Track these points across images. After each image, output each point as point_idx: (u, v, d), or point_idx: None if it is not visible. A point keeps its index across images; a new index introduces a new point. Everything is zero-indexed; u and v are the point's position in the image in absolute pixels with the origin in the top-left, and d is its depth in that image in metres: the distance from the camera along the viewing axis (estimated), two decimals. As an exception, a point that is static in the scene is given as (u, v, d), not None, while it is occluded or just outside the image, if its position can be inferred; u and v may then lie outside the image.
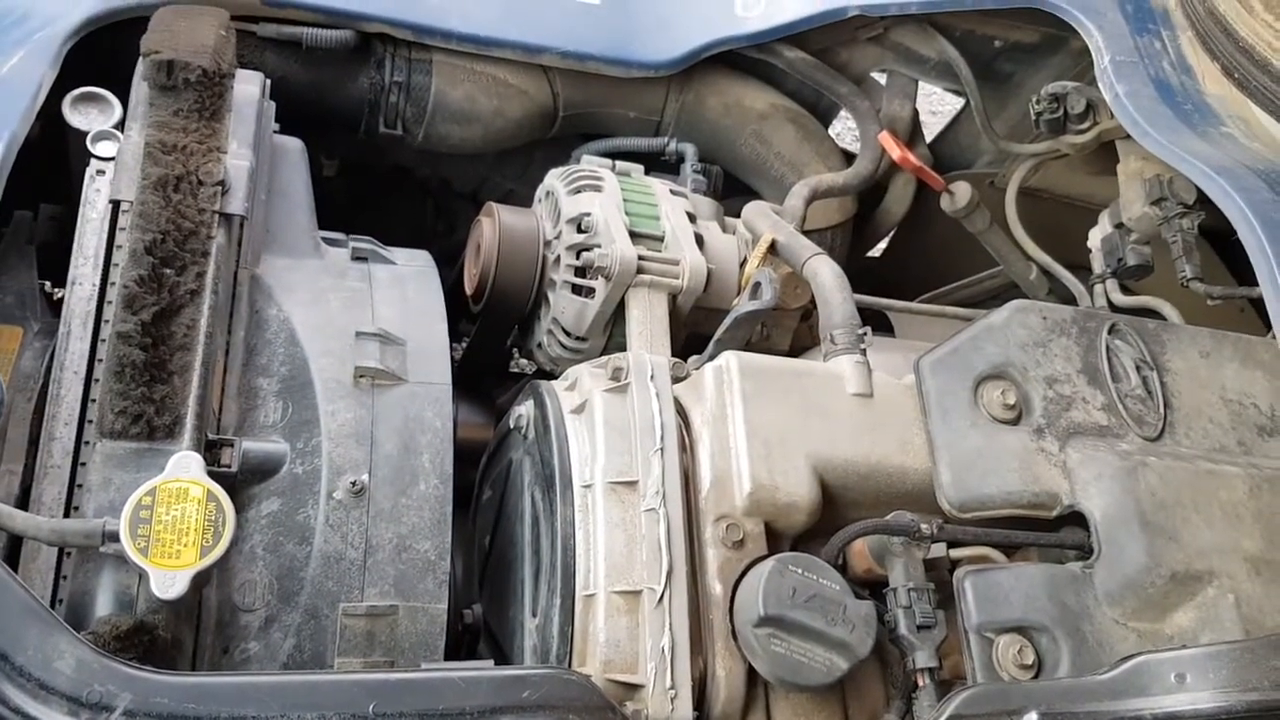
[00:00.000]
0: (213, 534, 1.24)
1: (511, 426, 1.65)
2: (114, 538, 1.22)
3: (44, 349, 1.54)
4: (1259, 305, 1.71)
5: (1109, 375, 1.59)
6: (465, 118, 2.13)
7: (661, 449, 1.46)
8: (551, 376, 1.76)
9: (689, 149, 2.17)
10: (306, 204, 1.75)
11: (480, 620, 1.66)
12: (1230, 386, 1.64)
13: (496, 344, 2.05)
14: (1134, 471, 1.49)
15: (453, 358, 1.64)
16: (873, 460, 1.51)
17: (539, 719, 1.21)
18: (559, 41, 2.06)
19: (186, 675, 1.20)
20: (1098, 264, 2.04)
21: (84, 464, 1.35)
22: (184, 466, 1.26)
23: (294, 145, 1.80)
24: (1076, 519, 1.50)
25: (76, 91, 1.68)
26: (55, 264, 1.64)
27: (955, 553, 1.49)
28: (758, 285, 1.67)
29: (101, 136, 1.62)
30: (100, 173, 1.58)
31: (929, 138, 2.53)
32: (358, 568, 1.43)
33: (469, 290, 1.96)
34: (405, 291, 1.68)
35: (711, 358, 1.60)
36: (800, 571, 1.35)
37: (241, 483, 1.42)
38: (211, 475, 1.28)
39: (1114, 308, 2.00)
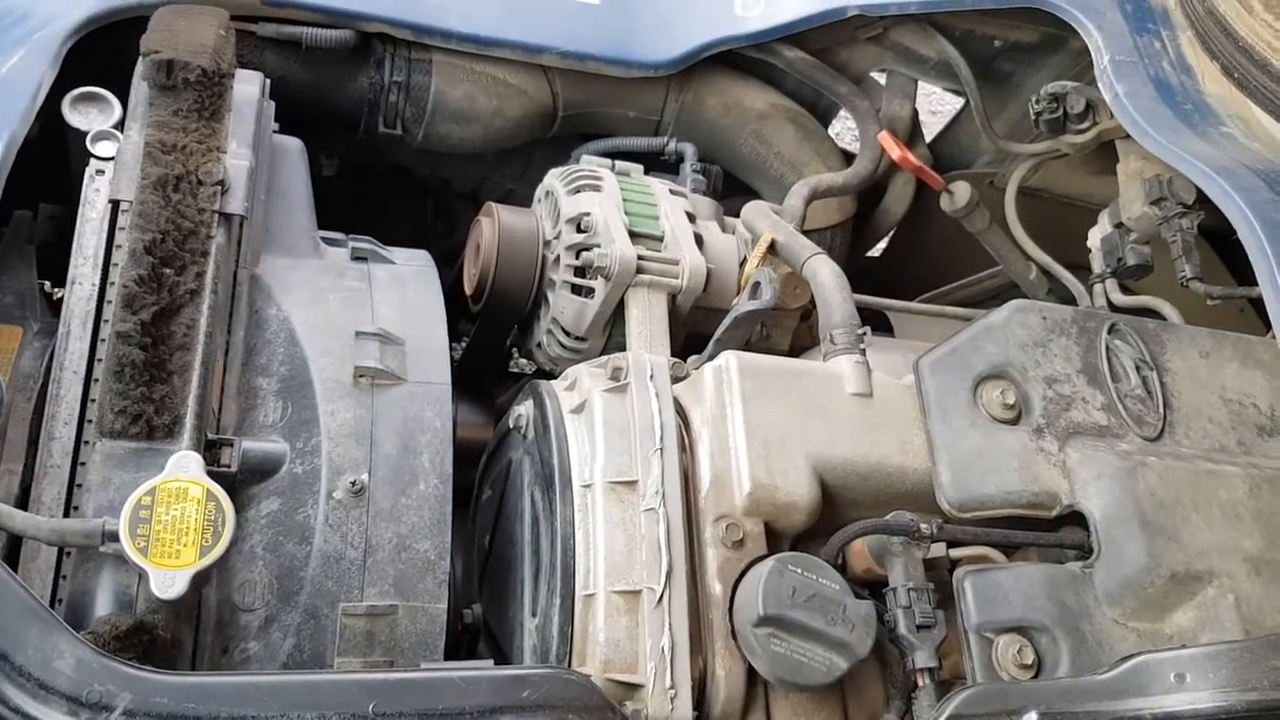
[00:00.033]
0: (212, 534, 1.24)
1: (511, 426, 1.65)
2: (114, 537, 1.22)
3: (44, 349, 1.54)
4: (1259, 305, 1.71)
5: (1109, 375, 1.59)
6: (465, 117, 2.13)
7: (661, 449, 1.46)
8: (551, 376, 1.76)
9: (688, 149, 2.17)
10: (306, 204, 1.75)
11: (480, 620, 1.66)
12: (1230, 386, 1.64)
13: (496, 344, 2.05)
14: (1134, 471, 1.49)
15: (452, 357, 1.64)
16: (872, 460, 1.51)
17: (539, 719, 1.21)
18: (559, 41, 2.06)
19: (186, 675, 1.20)
20: (1097, 264, 2.04)
21: (83, 464, 1.35)
22: (183, 466, 1.26)
23: (293, 145, 1.80)
24: (1076, 519, 1.50)
25: (76, 91, 1.68)
26: (55, 264, 1.64)
27: (955, 552, 1.49)
28: (757, 285, 1.67)
29: (101, 136, 1.62)
30: (100, 172, 1.58)
31: (929, 137, 2.53)
32: (357, 567, 1.43)
33: (468, 290, 1.95)
34: (405, 291, 1.68)
35: (711, 357, 1.60)
36: (800, 571, 1.35)
37: (241, 482, 1.42)
38: (211, 475, 1.28)
39: (1114, 308, 2.00)
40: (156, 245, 1.43)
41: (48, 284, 1.74)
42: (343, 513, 1.45)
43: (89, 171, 1.59)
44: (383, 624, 1.42)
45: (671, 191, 1.97)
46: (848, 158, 2.38)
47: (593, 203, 1.83)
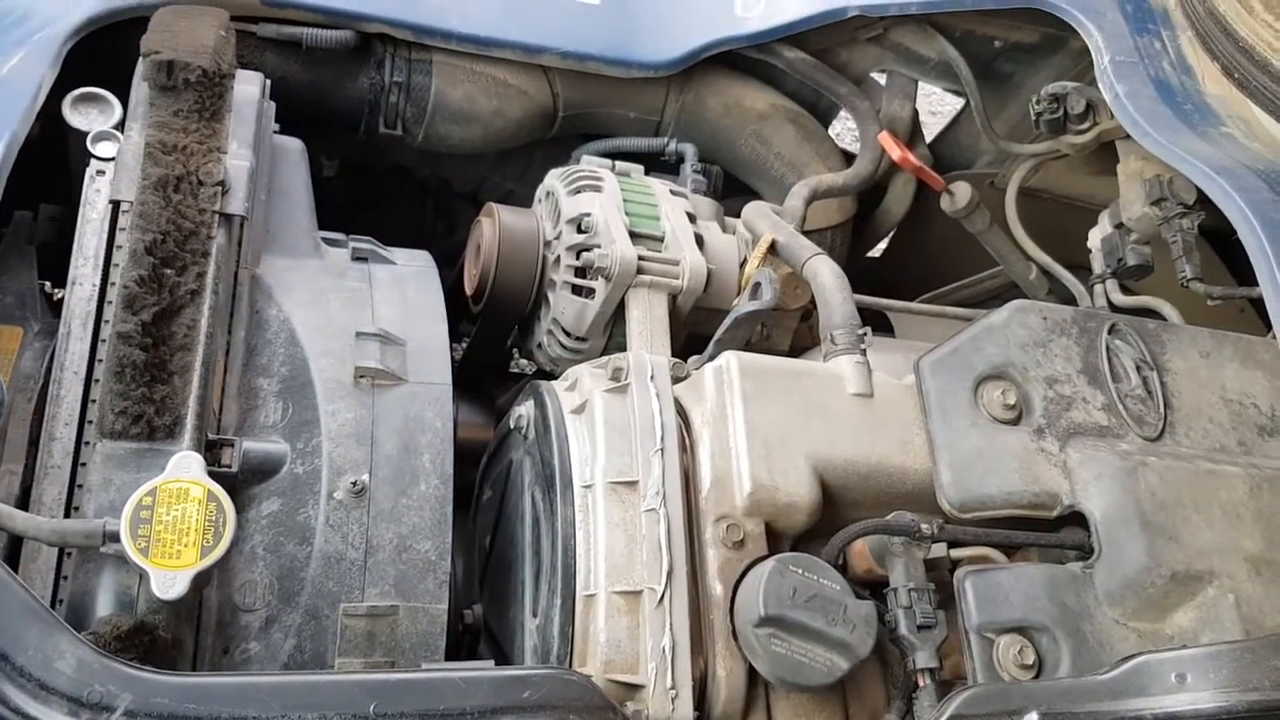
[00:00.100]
0: (213, 534, 1.23)
1: (512, 427, 1.65)
2: (114, 538, 1.22)
3: (44, 349, 1.54)
4: (1259, 305, 1.71)
5: (1109, 375, 1.59)
6: (465, 118, 2.13)
7: (662, 449, 1.46)
8: (552, 377, 1.76)
9: (689, 149, 2.17)
10: (306, 204, 1.75)
11: (481, 620, 1.66)
12: (1230, 386, 1.64)
13: (497, 344, 2.05)
14: (1134, 471, 1.49)
15: (453, 358, 1.64)
16: (873, 460, 1.51)
17: (540, 719, 1.21)
18: (559, 42, 2.06)
19: (187, 675, 1.20)
20: (1098, 264, 2.04)
21: (84, 464, 1.35)
22: (184, 467, 1.26)
23: (294, 145, 1.80)
24: (1077, 519, 1.50)
25: (77, 92, 1.68)
26: (55, 264, 1.64)
27: (955, 553, 1.49)
28: (758, 285, 1.67)
29: (101, 137, 1.62)
30: (100, 173, 1.58)
31: (929, 138, 2.53)
32: (358, 568, 1.43)
33: (469, 290, 1.95)
34: (405, 292, 1.68)
35: (711, 358, 1.60)
36: (801, 571, 1.35)
37: (242, 483, 1.42)
38: (212, 475, 1.28)
39: (1114, 308, 2.00)
40: (157, 246, 1.43)
41: (48, 284, 1.74)
42: (343, 513, 1.45)
43: (89, 172, 1.59)
44: (384, 624, 1.42)
45: (672, 192, 1.97)
46: (848, 158, 2.38)
47: (593, 203, 1.83)
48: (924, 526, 1.41)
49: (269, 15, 1.96)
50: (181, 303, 1.42)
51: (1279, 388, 1.67)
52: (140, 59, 1.60)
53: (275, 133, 1.79)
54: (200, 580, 1.23)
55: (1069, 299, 2.15)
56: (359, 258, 1.72)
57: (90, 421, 1.37)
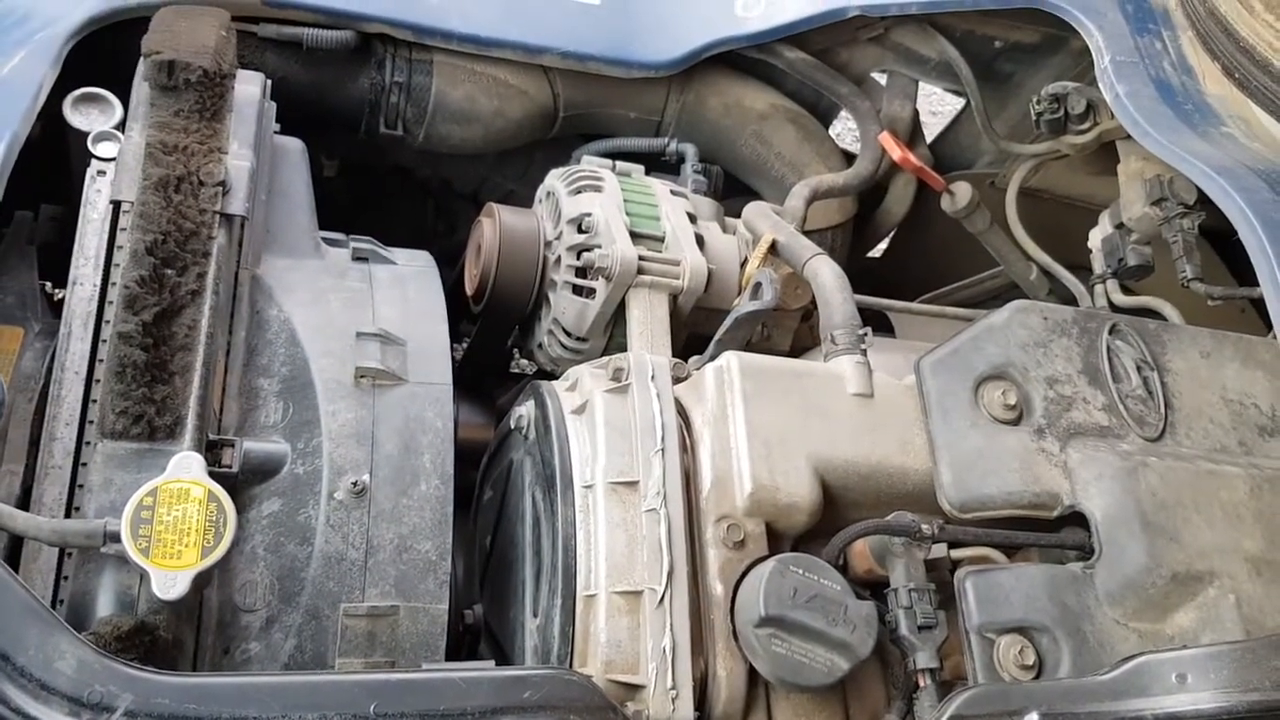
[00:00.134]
0: (214, 534, 1.24)
1: (512, 427, 1.65)
2: (115, 538, 1.22)
3: (45, 349, 1.54)
4: (1259, 305, 1.71)
5: (1110, 375, 1.59)
6: (466, 118, 2.13)
7: (662, 449, 1.46)
8: (552, 377, 1.76)
9: (689, 149, 2.17)
10: (307, 204, 1.75)
11: (481, 621, 1.66)
12: (1231, 387, 1.64)
13: (497, 344, 2.05)
14: (1135, 472, 1.49)
15: (453, 358, 1.64)
16: (873, 461, 1.51)
17: (540, 719, 1.21)
18: (559, 42, 2.06)
19: (187, 676, 1.20)
20: (1098, 264, 2.04)
21: (85, 464, 1.35)
22: (185, 467, 1.26)
23: (295, 146, 1.80)
24: (1077, 519, 1.50)
25: (77, 92, 1.68)
26: (56, 264, 1.64)
27: (956, 553, 1.49)
28: (758, 285, 1.67)
29: (102, 137, 1.62)
30: (101, 173, 1.58)
31: (929, 138, 2.53)
32: (359, 568, 1.43)
33: (469, 291, 1.96)
34: (406, 292, 1.68)
35: (712, 358, 1.60)
36: (801, 572, 1.35)
37: (242, 483, 1.42)
38: (212, 476, 1.28)
39: (1114, 308, 2.00)
40: (158, 246, 1.43)
41: (49, 285, 1.74)
42: (344, 513, 1.45)
43: (90, 172, 1.59)
44: (384, 624, 1.42)
45: (672, 192, 1.97)
46: (848, 158, 2.38)
47: (594, 203, 1.83)
48: (924, 527, 1.41)
49: (270, 15, 1.97)
50: (182, 303, 1.42)
51: (1279, 388, 1.66)
52: (141, 59, 1.60)
53: (276, 133, 1.79)
54: (201, 580, 1.23)
55: (1069, 299, 2.15)
56: (359, 258, 1.72)
57: (91, 422, 1.37)
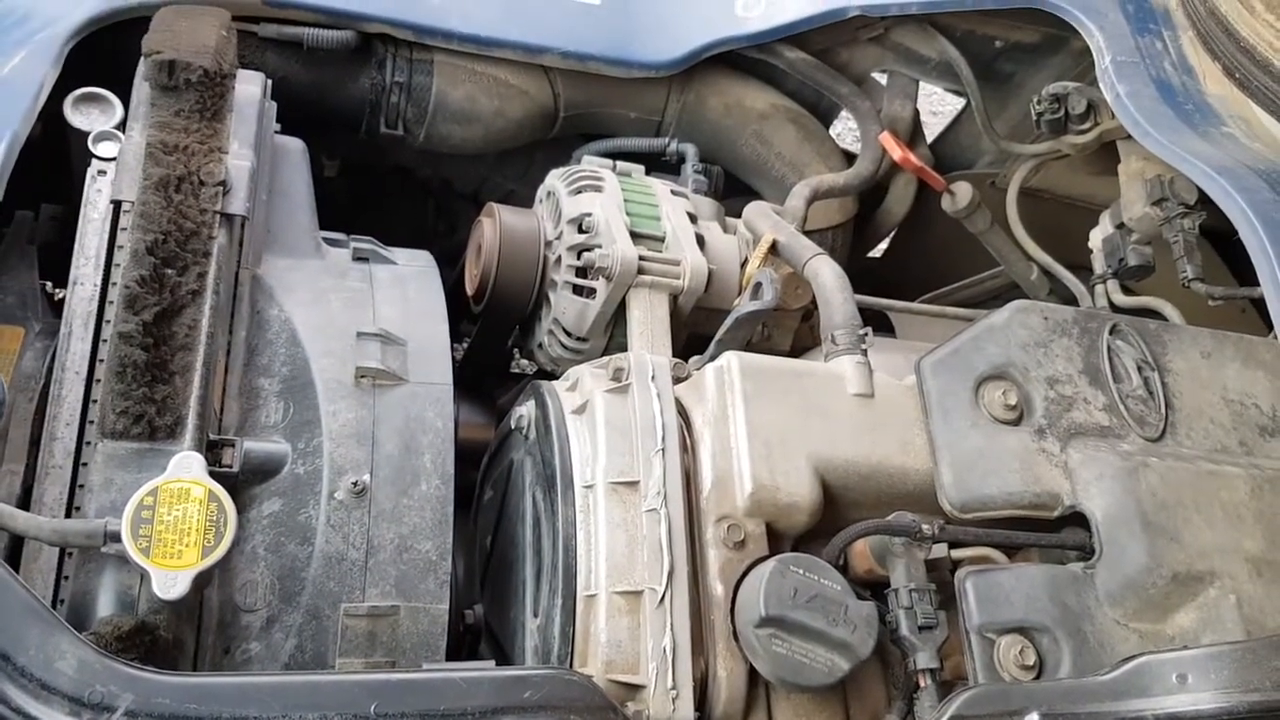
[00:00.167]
0: (214, 534, 1.24)
1: (513, 427, 1.65)
2: (116, 538, 1.22)
3: (45, 349, 1.54)
4: (1260, 305, 1.71)
5: (1110, 376, 1.59)
6: (466, 118, 2.13)
7: (663, 449, 1.46)
8: (552, 377, 1.76)
9: (690, 149, 2.17)
10: (308, 204, 1.75)
11: (481, 621, 1.66)
12: (1231, 387, 1.64)
13: (497, 344, 2.05)
14: (1135, 472, 1.48)
15: (454, 358, 1.64)
16: (874, 461, 1.51)
17: (540, 719, 1.21)
18: (560, 42, 2.06)
19: (188, 676, 1.20)
20: (1099, 264, 2.04)
21: (85, 464, 1.35)
22: (185, 467, 1.26)
23: (295, 145, 1.80)
24: (1078, 519, 1.50)
25: (78, 92, 1.68)
26: (57, 264, 1.64)
27: (956, 553, 1.49)
28: (759, 285, 1.67)
29: (103, 137, 1.62)
30: (102, 173, 1.58)
31: (930, 138, 2.53)
32: (359, 568, 1.43)
33: (470, 291, 1.96)
34: (406, 292, 1.68)
35: (712, 358, 1.60)
36: (801, 572, 1.35)
37: (243, 483, 1.42)
38: (213, 475, 1.28)
39: (1115, 308, 2.00)
40: (158, 246, 1.43)
41: (49, 284, 1.74)
42: (344, 513, 1.45)
43: (91, 172, 1.59)
44: (384, 624, 1.42)
45: (673, 192, 1.97)
46: (849, 158, 2.38)
47: (594, 203, 1.83)
48: (925, 527, 1.41)
49: (270, 15, 1.97)
50: (183, 303, 1.42)
51: (1279, 388, 1.67)
52: (142, 59, 1.60)
53: (276, 133, 1.79)
54: (201, 580, 1.23)
55: (1070, 299, 2.15)
56: (360, 258, 1.72)
57: (91, 421, 1.37)
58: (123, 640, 1.21)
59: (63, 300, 1.51)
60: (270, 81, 1.75)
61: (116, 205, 1.49)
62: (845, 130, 3.30)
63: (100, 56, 1.74)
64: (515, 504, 1.64)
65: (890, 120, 2.33)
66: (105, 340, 1.40)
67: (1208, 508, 1.48)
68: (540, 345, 1.93)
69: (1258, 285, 1.51)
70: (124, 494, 1.27)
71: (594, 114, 2.23)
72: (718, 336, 1.69)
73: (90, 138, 1.62)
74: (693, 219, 1.91)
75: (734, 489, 1.45)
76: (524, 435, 1.61)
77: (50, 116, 1.63)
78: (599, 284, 1.78)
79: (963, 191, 2.26)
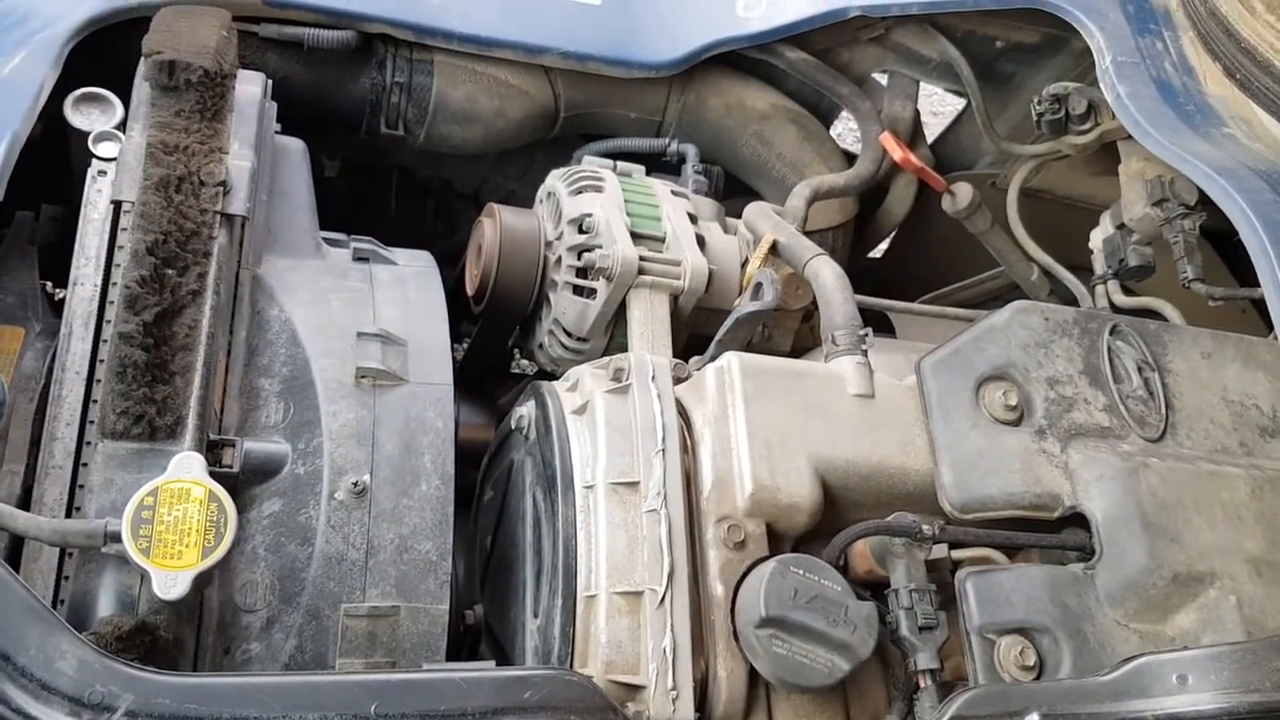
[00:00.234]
0: (214, 534, 1.24)
1: (513, 427, 1.65)
2: (116, 538, 1.22)
3: (46, 349, 1.54)
4: (1260, 306, 1.71)
5: (1111, 376, 1.59)
6: (466, 118, 2.13)
7: (663, 450, 1.46)
8: (553, 377, 1.76)
9: (690, 150, 2.17)
10: (308, 204, 1.75)
11: (482, 621, 1.66)
12: (1232, 387, 1.64)
13: (498, 345, 2.05)
14: (1135, 472, 1.48)
15: (454, 358, 1.64)
16: (874, 461, 1.51)
17: (540, 719, 1.21)
18: (560, 42, 2.06)
19: (188, 676, 1.20)
20: (1099, 265, 2.04)
21: (86, 464, 1.35)
22: (186, 467, 1.26)
23: (295, 146, 1.80)
24: (1078, 520, 1.50)
25: (78, 92, 1.68)
26: (57, 264, 1.64)
27: (957, 554, 1.49)
28: (759, 286, 1.67)
29: (103, 137, 1.62)
30: (102, 173, 1.58)
31: (930, 138, 2.53)
32: (359, 568, 1.43)
33: (470, 291, 1.96)
34: (406, 292, 1.68)
35: (713, 358, 1.59)
36: (802, 572, 1.35)
37: (243, 483, 1.42)
38: (213, 476, 1.28)
39: (1115, 309, 2.00)
40: (159, 246, 1.43)
41: (50, 285, 1.74)
42: (344, 513, 1.45)
43: (91, 172, 1.59)
44: (385, 625, 1.42)
45: (673, 192, 1.97)
46: (849, 159, 2.38)
47: (594, 204, 1.83)
48: (925, 527, 1.41)
49: (271, 15, 1.97)
50: (183, 303, 1.42)
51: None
52: (142, 59, 1.60)
53: (277, 133, 1.79)
54: (201, 580, 1.23)
55: (1070, 300, 2.15)
56: (360, 258, 1.72)
57: (92, 422, 1.37)
58: (123, 640, 1.21)
59: (63, 300, 1.51)
60: (271, 82, 1.75)
61: (117, 205, 1.49)
62: (846, 130, 3.30)
63: (100, 56, 1.74)
64: (515, 504, 1.64)
65: (891, 121, 2.33)
66: (105, 340, 1.40)
67: (1208, 508, 1.48)
68: (540, 345, 1.93)
69: (1258, 286, 1.51)
70: (124, 494, 1.27)
71: (594, 114, 2.23)
72: (718, 337, 1.69)
73: (90, 138, 1.62)
74: (693, 219, 1.91)
75: (734, 489, 1.45)
76: (524, 435, 1.61)
77: (50, 117, 1.63)
78: (599, 284, 1.78)
79: (963, 192, 2.26)
